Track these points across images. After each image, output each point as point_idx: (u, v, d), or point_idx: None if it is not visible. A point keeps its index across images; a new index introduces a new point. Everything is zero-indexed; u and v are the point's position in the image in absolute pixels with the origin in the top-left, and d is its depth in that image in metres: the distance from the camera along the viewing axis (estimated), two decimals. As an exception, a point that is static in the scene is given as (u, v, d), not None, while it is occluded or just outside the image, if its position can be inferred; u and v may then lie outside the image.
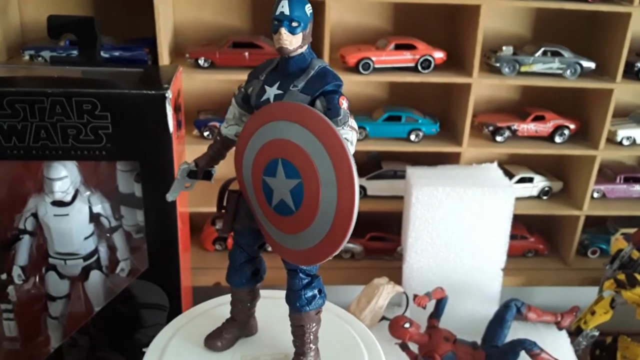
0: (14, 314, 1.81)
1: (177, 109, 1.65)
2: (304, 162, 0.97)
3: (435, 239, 2.15)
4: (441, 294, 2.00)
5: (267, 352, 1.22)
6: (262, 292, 1.25)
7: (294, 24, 0.97)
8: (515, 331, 2.01)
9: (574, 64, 2.26)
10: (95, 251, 1.79)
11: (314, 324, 1.13)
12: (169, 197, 1.19)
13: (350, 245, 2.45)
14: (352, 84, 2.34)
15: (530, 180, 2.47)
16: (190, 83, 2.20)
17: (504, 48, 2.26)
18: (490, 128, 2.35)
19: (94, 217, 1.74)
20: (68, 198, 1.68)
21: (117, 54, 2.09)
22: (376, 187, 2.40)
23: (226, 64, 2.15)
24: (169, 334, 1.26)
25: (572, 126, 2.37)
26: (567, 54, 2.26)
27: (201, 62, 2.14)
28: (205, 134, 2.19)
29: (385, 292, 2.08)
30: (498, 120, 2.36)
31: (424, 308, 1.97)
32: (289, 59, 1.02)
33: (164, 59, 2.07)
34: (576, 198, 2.47)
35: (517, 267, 2.47)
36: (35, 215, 1.70)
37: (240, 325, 1.24)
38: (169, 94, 1.55)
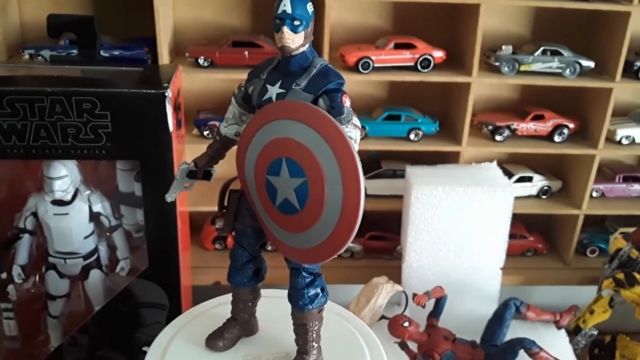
0: (14, 313, 1.81)
1: (176, 108, 1.65)
2: (309, 161, 0.96)
3: (434, 238, 2.15)
4: (440, 293, 2.00)
5: (268, 351, 1.22)
6: (262, 291, 1.25)
7: (296, 23, 0.97)
8: (514, 330, 2.01)
9: (574, 63, 2.26)
10: (95, 250, 1.79)
11: (317, 322, 1.13)
12: (168, 197, 1.18)
13: (350, 244, 2.43)
14: (351, 83, 2.31)
15: (530, 179, 2.47)
16: (190, 82, 2.20)
17: (503, 47, 2.26)
18: (490, 127, 2.35)
19: (94, 216, 1.74)
20: (68, 197, 1.68)
21: (116, 53, 2.09)
22: (376, 186, 2.40)
23: (226, 63, 2.15)
24: (170, 334, 1.26)
25: (571, 125, 2.38)
26: (566, 53, 2.27)
27: (201, 61, 2.14)
28: (205, 133, 2.19)
29: (384, 291, 2.08)
30: (497, 119, 2.37)
31: (423, 307, 1.97)
32: (290, 58, 1.01)
33: (164, 58, 2.07)
34: (575, 197, 2.47)
35: (516, 266, 2.47)
36: (35, 215, 1.71)
37: (241, 324, 1.24)
38: (169, 93, 1.55)
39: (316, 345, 1.15)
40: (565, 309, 2.14)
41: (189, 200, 1.98)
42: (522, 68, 2.26)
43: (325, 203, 0.96)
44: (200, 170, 1.17)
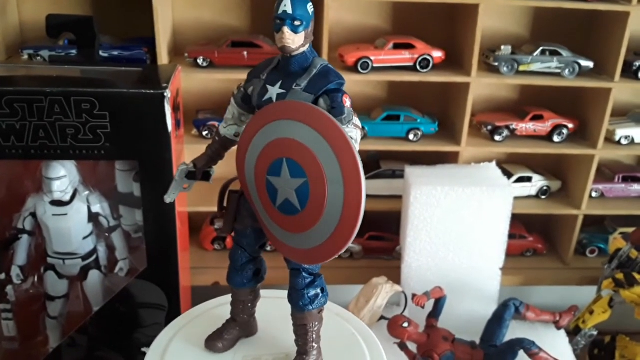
0: (12, 313, 1.80)
1: (176, 109, 1.65)
2: (310, 161, 0.96)
3: (433, 238, 2.15)
4: (440, 294, 2.00)
5: (268, 352, 1.22)
6: (262, 292, 1.25)
7: (297, 23, 0.97)
8: (513, 330, 2.01)
9: (573, 63, 2.26)
10: (94, 251, 1.79)
11: (317, 323, 1.13)
12: (167, 198, 1.18)
13: (350, 244, 2.44)
14: (350, 84, 2.29)
15: (529, 179, 2.48)
16: (189, 82, 2.20)
17: (502, 47, 2.26)
18: (489, 127, 2.35)
19: (93, 217, 1.74)
20: (67, 198, 1.68)
21: (116, 53, 2.09)
22: (375, 186, 2.40)
23: (225, 64, 2.15)
24: (170, 336, 1.25)
25: (570, 125, 2.38)
26: (565, 53, 2.27)
27: (200, 61, 2.13)
28: (204, 133, 2.19)
29: (384, 291, 2.08)
30: (496, 119, 2.37)
31: (423, 307, 1.97)
32: (291, 58, 1.01)
33: (163, 58, 2.06)
34: (575, 197, 2.47)
35: (516, 267, 2.47)
36: (34, 215, 1.70)
37: (240, 325, 1.23)
38: (168, 94, 1.54)
39: (316, 345, 1.14)
40: (565, 309, 2.14)
41: (188, 200, 1.97)
42: (521, 68, 2.26)
43: (326, 203, 0.96)
44: (200, 171, 1.17)
